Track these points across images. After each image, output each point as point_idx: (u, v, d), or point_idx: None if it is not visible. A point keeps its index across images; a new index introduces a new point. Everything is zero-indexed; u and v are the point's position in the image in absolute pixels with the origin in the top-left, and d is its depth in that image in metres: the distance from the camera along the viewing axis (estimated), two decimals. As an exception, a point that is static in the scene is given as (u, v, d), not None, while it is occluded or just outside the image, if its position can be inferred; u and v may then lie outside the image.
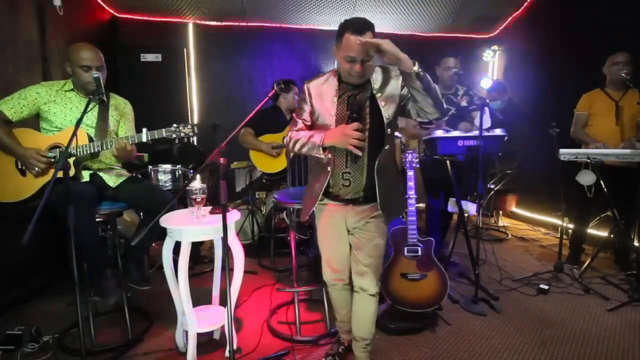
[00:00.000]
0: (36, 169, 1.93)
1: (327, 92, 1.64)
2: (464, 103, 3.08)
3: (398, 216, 1.85)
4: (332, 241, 1.78)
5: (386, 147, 1.61)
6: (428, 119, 1.58)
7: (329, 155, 1.60)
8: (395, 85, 1.61)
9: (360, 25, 1.47)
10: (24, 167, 1.97)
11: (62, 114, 2.05)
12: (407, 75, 1.47)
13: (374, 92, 1.60)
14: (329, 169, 1.65)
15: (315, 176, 1.75)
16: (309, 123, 1.69)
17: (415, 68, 1.42)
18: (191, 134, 2.03)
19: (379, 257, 1.73)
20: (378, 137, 1.60)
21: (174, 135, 2.00)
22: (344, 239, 1.75)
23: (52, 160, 1.96)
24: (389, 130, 1.61)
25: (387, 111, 1.59)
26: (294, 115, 1.76)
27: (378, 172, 1.60)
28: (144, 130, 2.03)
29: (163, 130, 2.00)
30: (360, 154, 1.53)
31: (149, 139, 2.02)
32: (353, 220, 1.70)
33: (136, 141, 2.03)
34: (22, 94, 2.03)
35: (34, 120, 2.09)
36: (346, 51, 1.49)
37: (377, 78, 1.63)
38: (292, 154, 2.76)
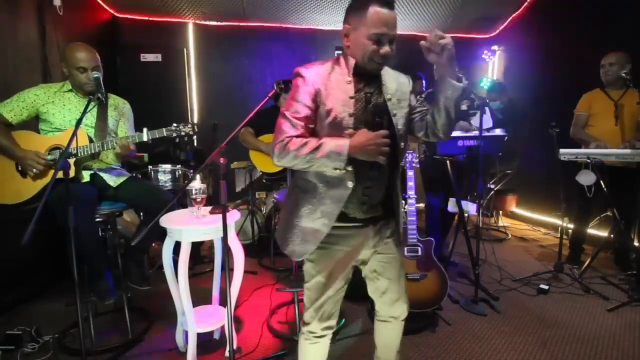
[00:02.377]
0: (35, 170, 1.93)
1: (338, 85, 1.27)
2: (463, 107, 3.07)
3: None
4: (336, 278, 1.38)
5: (401, 163, 1.41)
6: (435, 139, 1.40)
7: (349, 168, 1.24)
8: (404, 92, 1.37)
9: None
10: (23, 169, 1.97)
11: (61, 114, 2.05)
12: (449, 88, 1.26)
13: (386, 96, 1.32)
14: (349, 184, 1.27)
15: (310, 196, 1.32)
16: (312, 125, 1.28)
17: (466, 82, 1.24)
18: (191, 132, 2.04)
19: (404, 278, 1.50)
20: (392, 144, 1.27)
21: (174, 135, 2.02)
22: (348, 272, 1.42)
23: (52, 162, 1.96)
24: (402, 144, 1.36)
25: (398, 121, 1.33)
26: (287, 114, 1.28)
27: (393, 182, 1.39)
28: (145, 129, 2.03)
29: (163, 129, 2.01)
30: (385, 162, 1.24)
31: (150, 138, 2.02)
32: (371, 243, 1.40)
33: (137, 140, 2.03)
34: (20, 96, 2.02)
35: (34, 122, 2.09)
36: (373, 27, 1.19)
37: (385, 76, 1.35)
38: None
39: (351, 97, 1.27)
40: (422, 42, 1.24)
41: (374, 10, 1.19)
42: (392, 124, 1.32)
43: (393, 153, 1.28)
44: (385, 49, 1.23)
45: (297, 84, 1.28)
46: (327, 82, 1.27)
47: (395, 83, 1.36)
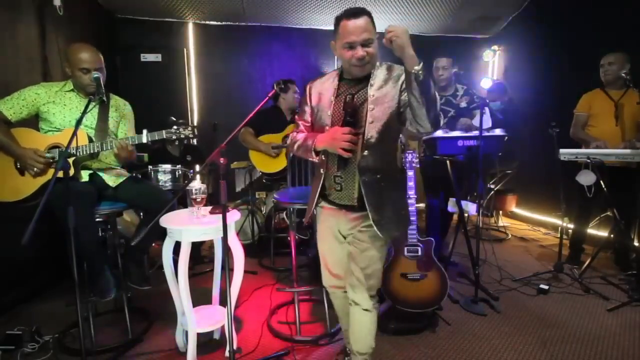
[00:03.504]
0: (34, 168, 1.93)
1: (326, 91, 1.57)
2: (463, 104, 3.08)
3: (398, 234, 1.64)
4: (327, 244, 1.70)
5: (364, 153, 1.47)
6: (418, 131, 1.45)
7: (323, 158, 1.56)
8: (393, 87, 1.47)
9: (354, 10, 1.43)
10: (22, 167, 1.97)
11: (62, 114, 2.05)
12: (407, 75, 1.36)
13: (369, 95, 1.47)
14: (322, 171, 1.59)
15: (314, 178, 1.71)
16: (309, 124, 1.65)
17: (417, 68, 1.31)
18: (191, 135, 2.03)
19: (374, 271, 1.57)
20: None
21: (174, 137, 2.01)
22: (340, 243, 1.66)
23: (50, 160, 1.96)
24: (370, 135, 1.46)
25: (373, 115, 1.46)
26: (295, 117, 1.71)
27: (364, 179, 1.48)
28: (145, 131, 2.02)
29: (163, 131, 2.00)
30: (348, 156, 1.44)
31: (149, 140, 2.01)
32: (346, 227, 1.61)
33: (136, 142, 2.03)
34: (21, 94, 2.02)
35: (34, 120, 2.09)
36: (344, 38, 1.42)
37: (377, 75, 1.50)
38: (292, 154, 2.76)
39: (332, 100, 1.54)
40: (383, 40, 1.36)
41: (343, 23, 1.44)
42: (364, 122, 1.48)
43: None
44: (359, 52, 1.43)
45: (304, 91, 1.66)
46: (320, 89, 1.60)
47: (385, 80, 1.49)
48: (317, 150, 1.53)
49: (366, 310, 1.58)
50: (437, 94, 1.42)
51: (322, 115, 1.56)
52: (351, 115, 1.44)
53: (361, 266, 1.56)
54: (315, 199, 1.62)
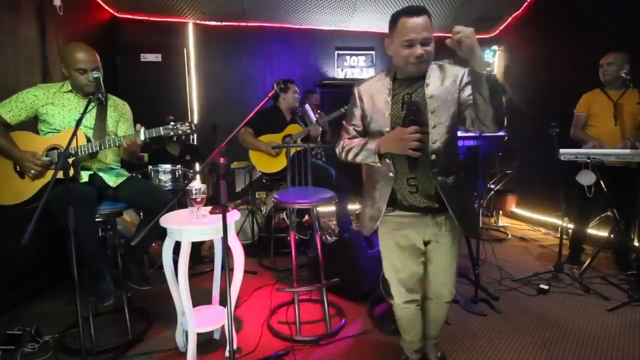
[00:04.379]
0: (32, 171, 1.92)
1: (379, 92, 1.52)
2: None
3: (476, 229, 1.70)
4: (400, 257, 1.60)
5: (432, 157, 1.45)
6: (481, 131, 1.44)
7: (388, 161, 1.48)
8: (451, 87, 1.45)
9: (415, 8, 1.41)
10: (21, 170, 1.97)
11: (61, 115, 2.04)
12: (476, 76, 1.34)
13: (427, 94, 1.45)
14: (390, 174, 1.50)
15: (373, 184, 1.59)
16: (360, 128, 1.58)
17: (490, 69, 1.31)
18: (189, 131, 2.01)
19: (457, 266, 1.64)
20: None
21: (171, 133, 1.99)
22: (419, 254, 1.60)
23: (48, 163, 1.95)
24: (434, 139, 1.44)
25: (436, 117, 1.44)
26: (344, 122, 1.64)
27: (438, 180, 1.46)
28: (142, 128, 2.00)
29: (160, 128, 1.99)
30: (418, 155, 1.39)
31: (147, 137, 2.00)
32: (431, 232, 1.55)
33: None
34: (19, 96, 2.01)
35: (32, 123, 2.09)
36: (403, 35, 1.39)
37: (432, 75, 1.48)
38: (292, 154, 2.76)
39: (388, 101, 1.49)
40: (447, 41, 1.33)
41: (402, 20, 1.40)
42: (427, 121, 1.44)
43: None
44: (418, 51, 1.39)
45: (351, 97, 1.59)
46: (371, 91, 1.54)
47: (441, 80, 1.47)
48: (381, 154, 1.46)
49: (448, 302, 1.68)
50: (504, 96, 1.40)
51: (378, 117, 1.51)
52: (415, 114, 1.40)
53: (450, 264, 1.61)
54: (385, 207, 1.53)
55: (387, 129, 1.48)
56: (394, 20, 1.44)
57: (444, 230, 1.55)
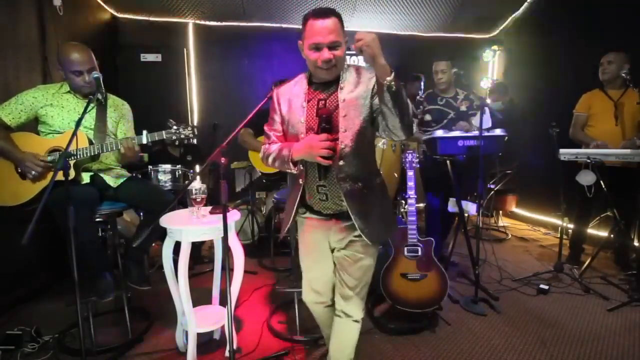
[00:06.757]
0: (33, 172, 1.92)
1: (296, 96, 1.47)
2: (463, 108, 3.08)
3: (385, 239, 1.66)
4: (313, 259, 1.60)
5: (340, 163, 1.40)
6: (392, 140, 1.40)
7: (301, 168, 1.46)
8: (364, 92, 1.40)
9: (323, 9, 1.34)
10: (22, 171, 1.97)
11: (60, 117, 2.04)
12: (379, 86, 1.28)
13: (340, 100, 1.40)
14: (300, 181, 1.49)
15: (291, 188, 1.60)
16: (280, 134, 1.53)
17: (389, 79, 1.23)
18: (191, 135, 2.02)
19: (367, 281, 1.54)
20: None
21: (174, 137, 1.99)
22: (327, 257, 1.57)
23: (50, 164, 1.95)
24: (344, 144, 1.39)
25: (346, 122, 1.39)
26: (265, 127, 1.58)
27: (345, 188, 1.42)
28: (144, 132, 2.01)
29: (163, 132, 1.99)
30: (328, 163, 1.35)
31: (149, 140, 2.00)
32: (336, 237, 1.52)
33: (137, 143, 2.02)
34: (19, 98, 2.01)
35: (34, 124, 2.08)
36: (310, 38, 1.34)
37: (347, 79, 1.43)
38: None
39: (303, 106, 1.45)
40: (352, 46, 1.27)
41: (310, 23, 1.35)
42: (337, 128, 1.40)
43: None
44: (325, 55, 1.34)
45: (271, 99, 1.55)
46: (289, 95, 1.49)
47: (355, 84, 1.42)
48: (294, 161, 1.42)
49: (356, 321, 1.54)
50: (409, 101, 1.35)
51: (295, 123, 1.47)
52: (326, 121, 1.36)
53: (355, 276, 1.50)
54: (294, 210, 1.53)
55: (302, 135, 1.43)
56: (304, 21, 1.38)
57: (351, 237, 1.48)
